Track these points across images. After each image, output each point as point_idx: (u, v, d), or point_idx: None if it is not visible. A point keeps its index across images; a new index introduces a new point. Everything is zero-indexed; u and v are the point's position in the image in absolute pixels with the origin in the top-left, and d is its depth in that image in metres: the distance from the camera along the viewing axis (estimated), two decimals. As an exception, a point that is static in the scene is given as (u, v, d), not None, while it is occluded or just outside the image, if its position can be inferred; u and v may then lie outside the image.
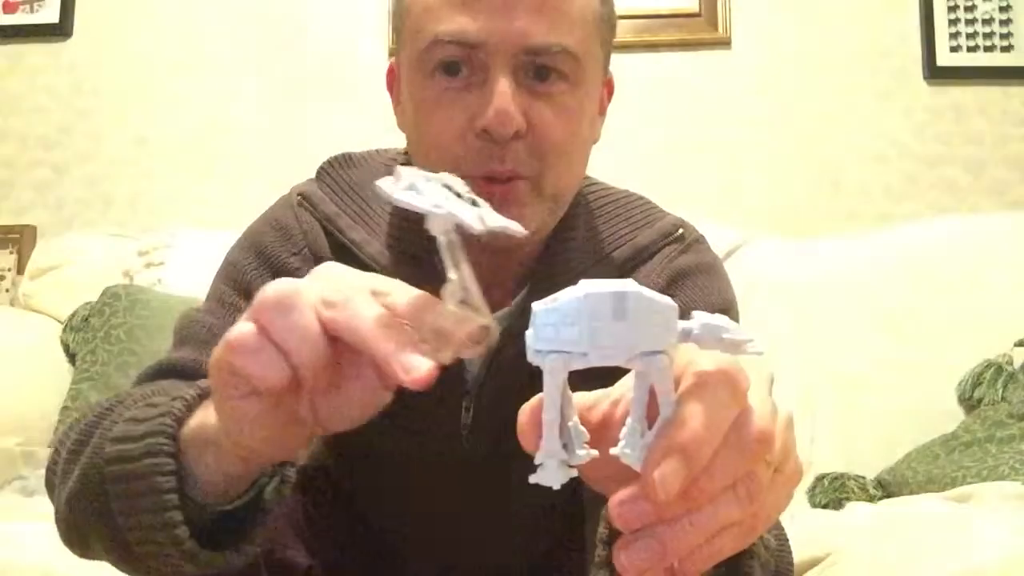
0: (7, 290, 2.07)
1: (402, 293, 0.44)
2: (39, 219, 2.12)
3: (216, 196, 2.10)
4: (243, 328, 0.42)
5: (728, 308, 0.78)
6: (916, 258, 1.68)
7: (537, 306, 0.36)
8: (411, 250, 0.74)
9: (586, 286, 0.36)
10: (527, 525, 0.83)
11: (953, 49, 2.01)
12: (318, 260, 0.75)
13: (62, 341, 1.71)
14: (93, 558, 0.59)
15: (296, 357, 0.42)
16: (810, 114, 2.03)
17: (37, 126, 2.15)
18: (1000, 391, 1.48)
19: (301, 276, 0.71)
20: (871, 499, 1.43)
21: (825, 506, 1.46)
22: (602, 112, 0.79)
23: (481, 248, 0.70)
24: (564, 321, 0.35)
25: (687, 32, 2.05)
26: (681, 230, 0.82)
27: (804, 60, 2.05)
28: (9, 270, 2.09)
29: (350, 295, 0.42)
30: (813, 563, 1.02)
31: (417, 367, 0.41)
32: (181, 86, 2.14)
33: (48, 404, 1.62)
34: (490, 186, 0.67)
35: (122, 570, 0.57)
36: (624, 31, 2.07)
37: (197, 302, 1.84)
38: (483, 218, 0.43)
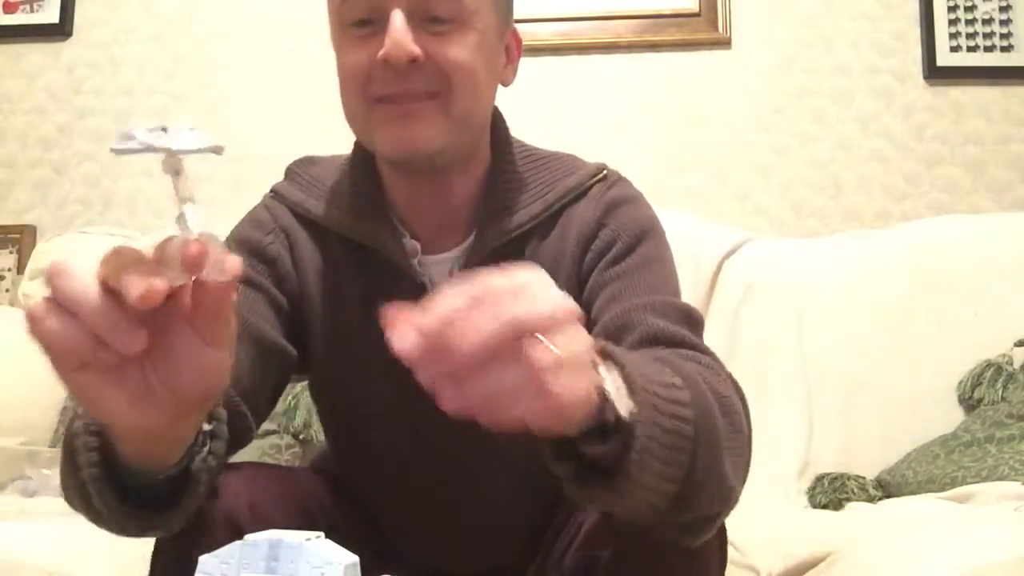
0: (7, 290, 2.07)
1: (149, 240, 0.48)
2: (39, 219, 2.12)
3: (216, 196, 2.10)
4: (37, 301, 0.47)
5: (649, 228, 0.87)
6: (916, 258, 1.68)
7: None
8: (364, 208, 0.87)
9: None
10: (506, 486, 0.88)
11: (953, 49, 2.01)
12: (289, 235, 0.89)
13: (62, 341, 1.71)
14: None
15: (85, 317, 0.45)
16: (810, 114, 2.03)
17: (37, 126, 2.15)
18: (1000, 391, 1.48)
19: (274, 251, 0.87)
20: (871, 499, 1.43)
21: (825, 506, 1.46)
22: (511, 61, 0.89)
23: (428, 189, 0.85)
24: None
25: (687, 32, 2.05)
26: (605, 171, 0.92)
27: (804, 60, 2.05)
28: (9, 270, 2.09)
29: (115, 248, 0.47)
30: (813, 563, 1.02)
31: (137, 288, 0.44)
32: (181, 86, 2.14)
33: (48, 404, 1.62)
34: (401, 105, 0.79)
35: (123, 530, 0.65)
36: (624, 31, 2.07)
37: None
38: (181, 143, 0.50)
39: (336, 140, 2.30)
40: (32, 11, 2.16)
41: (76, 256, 0.46)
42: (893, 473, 1.47)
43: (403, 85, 0.78)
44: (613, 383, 0.54)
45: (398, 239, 0.85)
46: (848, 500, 1.43)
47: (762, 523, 1.19)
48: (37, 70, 2.16)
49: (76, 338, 0.46)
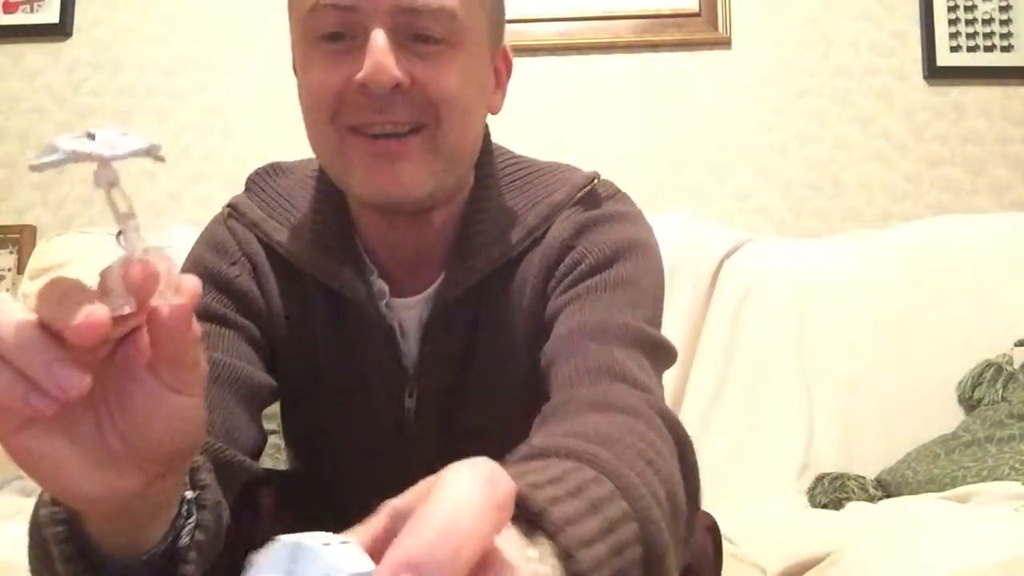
0: (7, 290, 2.07)
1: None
2: (39, 219, 2.12)
3: (216, 196, 2.10)
4: None
5: (626, 248, 0.75)
6: (916, 258, 1.68)
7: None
8: (329, 243, 0.76)
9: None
10: None
11: (953, 49, 2.01)
12: (255, 264, 0.78)
13: (62, 341, 1.71)
14: None
15: (14, 357, 0.38)
16: (810, 114, 2.03)
17: (37, 126, 2.15)
18: (1000, 391, 1.48)
19: (241, 282, 0.79)
20: (871, 499, 1.43)
21: (825, 506, 1.46)
22: (500, 86, 0.77)
23: (404, 226, 0.74)
24: None
25: (687, 32, 2.05)
26: (595, 182, 0.80)
27: (804, 60, 2.05)
28: (9, 270, 2.09)
29: (48, 280, 0.40)
30: (813, 563, 1.02)
31: (75, 319, 0.38)
32: (181, 86, 2.14)
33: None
34: (381, 142, 0.67)
35: None
36: (624, 31, 2.07)
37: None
38: (114, 146, 0.42)
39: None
40: (32, 11, 2.16)
41: (4, 296, 0.40)
42: (893, 473, 1.47)
43: (384, 115, 0.67)
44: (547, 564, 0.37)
45: (365, 279, 0.75)
46: (848, 500, 1.43)
47: (762, 523, 1.19)
48: (37, 70, 2.16)
49: (8, 386, 0.38)
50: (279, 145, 2.10)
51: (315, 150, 0.73)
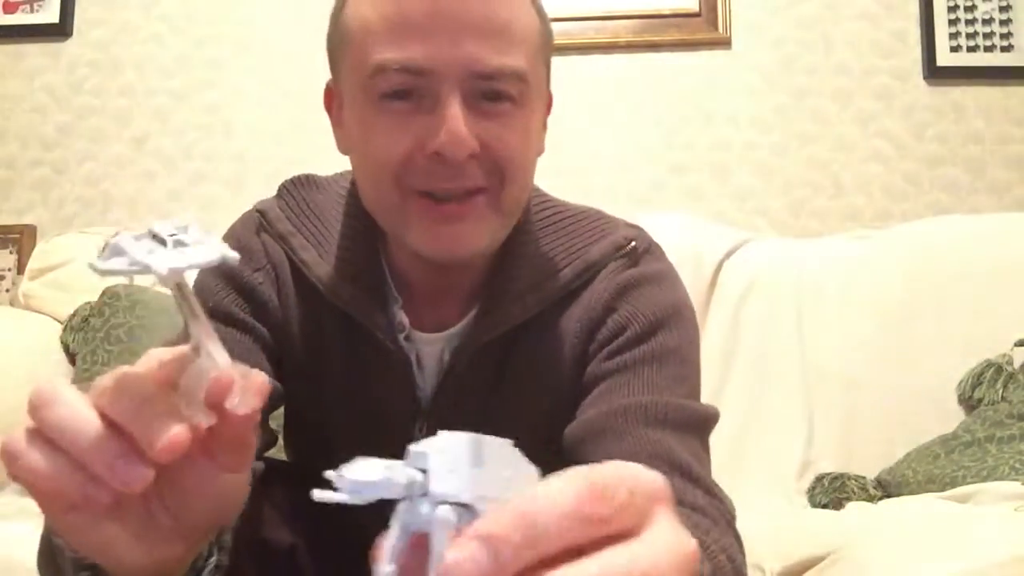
0: (7, 290, 2.07)
1: (155, 360, 0.41)
2: (39, 219, 2.12)
3: (216, 196, 2.10)
4: (14, 433, 0.40)
5: (670, 314, 0.75)
6: (916, 258, 1.68)
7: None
8: (354, 271, 0.75)
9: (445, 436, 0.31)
10: None
11: (953, 49, 2.01)
12: (279, 275, 0.77)
13: (62, 341, 1.71)
14: None
15: (78, 453, 0.39)
16: (810, 114, 2.03)
17: (37, 126, 2.15)
18: (1000, 391, 1.48)
19: (263, 290, 0.77)
20: (871, 499, 1.43)
21: (825, 506, 1.45)
22: (543, 126, 0.78)
23: (435, 268, 0.73)
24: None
25: (687, 32, 2.05)
26: (633, 243, 0.79)
27: (804, 60, 2.05)
28: (9, 270, 2.09)
29: (119, 376, 0.40)
30: (813, 563, 1.02)
31: (160, 440, 0.38)
32: (181, 86, 2.14)
33: (48, 404, 1.62)
34: (448, 206, 0.67)
35: None
36: (624, 31, 2.07)
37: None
38: (188, 258, 0.40)
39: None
40: (32, 11, 2.16)
41: (63, 383, 0.41)
42: (893, 473, 1.47)
43: (455, 182, 0.67)
44: None
45: (388, 310, 0.75)
46: (848, 500, 1.43)
47: (762, 523, 1.19)
48: (37, 70, 2.16)
49: (66, 476, 0.39)
50: (279, 145, 2.11)
51: (371, 204, 0.73)
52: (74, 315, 1.72)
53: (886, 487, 1.46)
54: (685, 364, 0.73)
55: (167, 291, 1.50)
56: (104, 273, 0.38)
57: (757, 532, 1.16)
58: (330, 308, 0.76)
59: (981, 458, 1.34)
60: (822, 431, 1.58)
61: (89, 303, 1.71)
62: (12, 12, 2.16)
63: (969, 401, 1.52)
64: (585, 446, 0.67)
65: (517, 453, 0.32)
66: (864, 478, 1.48)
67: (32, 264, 1.89)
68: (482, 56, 0.65)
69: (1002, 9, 2.01)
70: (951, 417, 1.52)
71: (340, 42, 0.72)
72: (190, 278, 0.41)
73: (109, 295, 1.67)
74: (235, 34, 2.14)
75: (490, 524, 0.28)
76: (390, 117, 0.67)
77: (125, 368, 0.41)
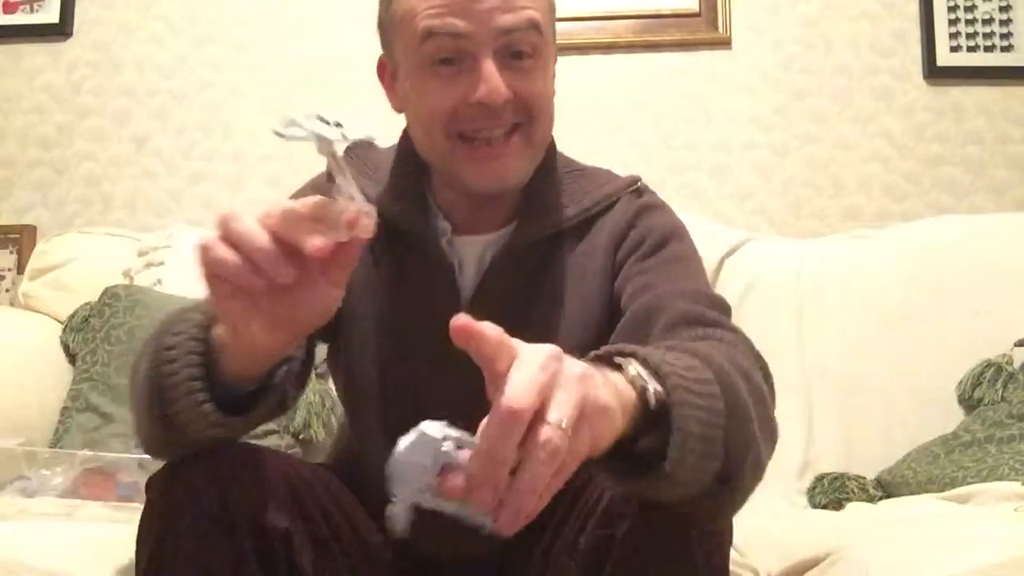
0: (7, 290, 2.07)
1: (309, 201, 0.59)
2: (39, 219, 2.12)
3: (216, 196, 2.10)
4: (208, 237, 0.59)
5: (676, 231, 0.94)
6: (916, 258, 1.68)
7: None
8: (401, 193, 0.94)
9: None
10: None
11: (953, 49, 2.01)
12: None
13: (62, 342, 1.71)
14: (157, 451, 0.78)
15: (250, 252, 0.57)
16: (810, 114, 2.03)
17: (37, 126, 2.15)
18: (1000, 391, 1.48)
19: None
20: (871, 499, 1.43)
21: (825, 506, 1.46)
22: (553, 74, 0.96)
23: (477, 201, 0.91)
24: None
25: (687, 32, 2.05)
26: (639, 182, 1.00)
27: (804, 60, 2.05)
28: (9, 270, 2.09)
29: (284, 207, 0.58)
30: (813, 563, 1.02)
31: (313, 242, 0.57)
32: (181, 86, 2.14)
33: (48, 404, 1.62)
34: (491, 147, 0.86)
35: (163, 443, 0.76)
36: (624, 31, 2.07)
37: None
38: (344, 133, 0.59)
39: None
40: (32, 11, 2.16)
41: (244, 207, 0.59)
42: (893, 473, 1.47)
43: (494, 122, 0.85)
44: (637, 370, 0.58)
45: (431, 220, 0.92)
46: (848, 500, 1.43)
47: (762, 523, 1.19)
48: (37, 70, 2.16)
49: (237, 265, 0.57)
50: (279, 145, 2.10)
51: (425, 151, 0.91)
52: (74, 315, 1.72)
53: (886, 487, 1.46)
54: (694, 265, 0.92)
55: (166, 291, 1.59)
56: (288, 138, 0.58)
57: (757, 532, 1.16)
58: (383, 233, 0.87)
59: (981, 458, 1.34)
60: (822, 431, 1.58)
61: (89, 303, 1.71)
62: (12, 12, 2.16)
63: (969, 401, 1.52)
64: (642, 323, 0.82)
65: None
66: (864, 478, 1.48)
67: (32, 264, 1.89)
68: (506, 16, 0.84)
69: (1002, 9, 2.01)
70: (951, 417, 1.52)
71: (391, 23, 0.89)
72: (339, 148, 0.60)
73: (109, 295, 1.67)
74: (235, 34, 2.14)
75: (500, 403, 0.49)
76: (439, 79, 0.85)
77: (288, 201, 0.59)
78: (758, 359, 0.75)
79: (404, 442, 0.52)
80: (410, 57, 0.87)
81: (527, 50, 0.86)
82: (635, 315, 0.83)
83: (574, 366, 0.52)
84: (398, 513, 0.52)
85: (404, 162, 0.95)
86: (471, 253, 0.93)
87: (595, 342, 0.78)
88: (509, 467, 0.49)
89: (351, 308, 0.90)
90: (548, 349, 0.51)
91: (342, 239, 0.57)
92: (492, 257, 0.91)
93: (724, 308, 0.84)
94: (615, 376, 0.57)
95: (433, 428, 0.51)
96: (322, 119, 0.58)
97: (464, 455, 0.50)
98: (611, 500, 0.73)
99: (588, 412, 0.51)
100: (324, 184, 0.90)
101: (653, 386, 0.57)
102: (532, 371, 0.50)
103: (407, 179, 0.94)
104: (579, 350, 0.68)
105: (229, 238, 0.58)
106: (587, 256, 0.93)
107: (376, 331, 0.92)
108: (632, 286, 0.87)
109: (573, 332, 0.90)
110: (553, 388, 0.50)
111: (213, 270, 0.59)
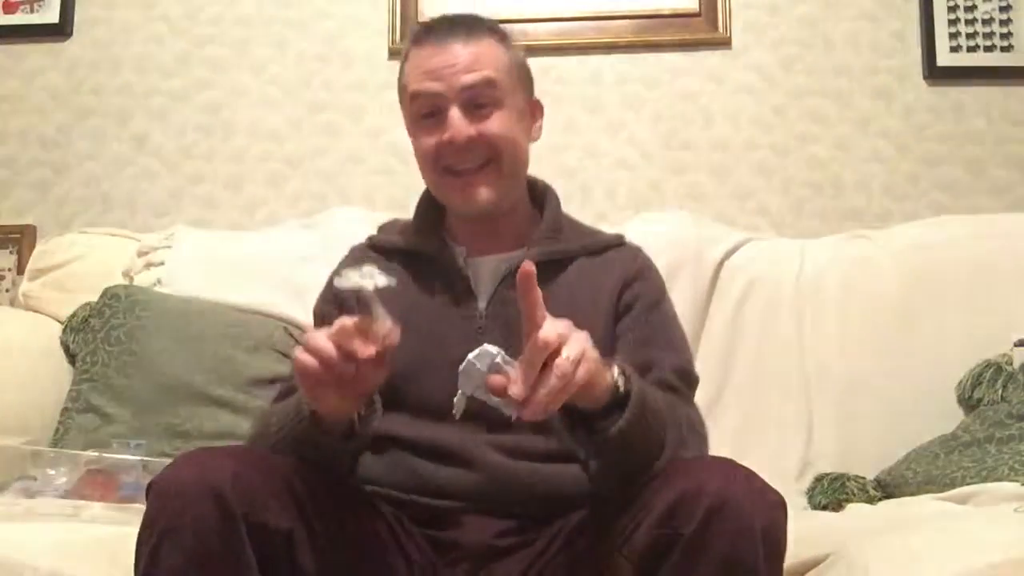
0: (7, 290, 2.07)
1: (355, 321, 0.84)
2: (39, 219, 2.12)
3: (216, 196, 2.10)
4: (300, 351, 0.85)
5: (666, 293, 1.18)
6: (916, 258, 1.68)
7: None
8: (423, 227, 1.19)
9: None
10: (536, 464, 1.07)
11: (953, 49, 2.01)
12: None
13: (62, 342, 1.71)
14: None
15: (325, 357, 0.83)
16: (810, 114, 2.03)
17: (37, 126, 2.15)
18: (1000, 391, 1.48)
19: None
20: (871, 499, 1.43)
21: (825, 506, 1.46)
22: (535, 120, 1.17)
23: (479, 224, 1.14)
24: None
25: (687, 32, 2.05)
26: (625, 239, 1.21)
27: (804, 60, 2.05)
28: (9, 270, 2.10)
29: (340, 324, 0.84)
30: (813, 563, 1.02)
31: (365, 352, 0.83)
32: (181, 86, 2.14)
33: (49, 404, 1.62)
34: (465, 176, 1.09)
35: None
36: (624, 31, 2.07)
37: (197, 303, 1.84)
38: (376, 282, 0.85)
39: (333, 139, 2.31)
40: (32, 11, 2.16)
41: (319, 331, 0.85)
42: (893, 474, 1.47)
43: (465, 157, 1.08)
44: (618, 372, 0.88)
45: (447, 244, 1.14)
46: (848, 501, 1.43)
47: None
48: (37, 70, 2.16)
49: (316, 366, 0.83)
50: (279, 145, 2.11)
51: (427, 183, 1.16)
52: (74, 315, 1.72)
53: (886, 488, 1.46)
54: (679, 326, 1.17)
55: (166, 291, 1.65)
56: (341, 289, 0.87)
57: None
58: (405, 261, 1.15)
59: (981, 459, 1.34)
60: (822, 431, 1.58)
61: (89, 303, 1.71)
62: (12, 12, 2.16)
63: (969, 401, 1.52)
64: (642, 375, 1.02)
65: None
66: (864, 479, 1.48)
67: (32, 264, 1.89)
68: (467, 76, 1.08)
69: (1002, 9, 2.01)
70: (951, 417, 1.52)
71: (400, 90, 1.15)
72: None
73: (109, 295, 1.67)
74: (235, 34, 2.14)
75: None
76: (425, 129, 1.11)
77: (345, 319, 0.84)
78: (697, 425, 1.04)
79: (472, 353, 0.81)
80: (408, 115, 1.13)
81: (487, 101, 1.08)
82: (631, 365, 0.99)
83: (582, 334, 0.81)
84: (459, 400, 0.82)
85: (424, 204, 1.19)
86: (486, 270, 1.12)
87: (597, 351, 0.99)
88: (535, 376, 0.77)
89: None
90: (568, 321, 0.81)
91: (380, 348, 0.83)
92: (506, 269, 1.10)
93: (694, 384, 1.10)
94: (607, 369, 0.87)
95: (491, 348, 0.80)
96: (360, 272, 0.85)
97: (508, 368, 0.80)
98: (673, 501, 0.79)
99: (586, 358, 0.79)
100: (341, 293, 1.10)
101: (623, 382, 0.88)
102: (557, 325, 0.79)
103: (427, 217, 1.17)
104: None
105: (311, 349, 0.83)
106: (597, 279, 1.13)
107: (405, 337, 1.02)
108: (635, 333, 1.09)
109: None
110: (568, 339, 0.79)
111: (303, 371, 0.84)
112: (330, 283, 1.18)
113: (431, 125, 1.09)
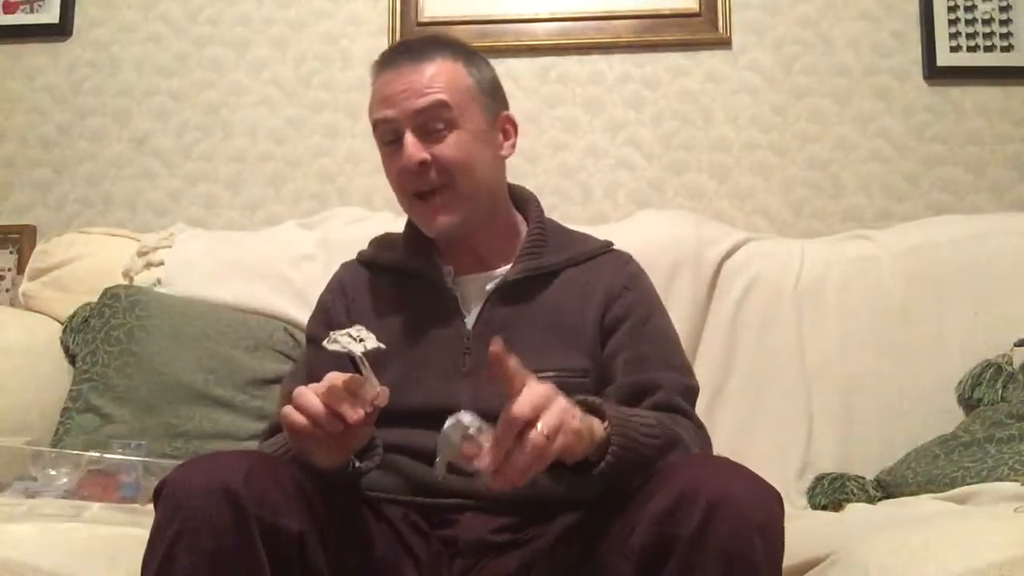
0: (7, 290, 2.07)
1: (346, 379, 0.86)
2: (39, 219, 2.12)
3: (216, 196, 2.10)
4: (288, 409, 0.87)
5: (658, 302, 1.19)
6: (916, 258, 1.68)
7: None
8: (413, 247, 1.19)
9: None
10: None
11: (953, 49, 2.01)
12: (346, 282, 1.21)
13: (62, 342, 1.71)
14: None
15: (314, 416, 0.85)
16: (810, 114, 2.03)
17: (37, 126, 2.15)
18: (1000, 391, 1.48)
19: (329, 301, 1.21)
20: (871, 500, 1.43)
21: (825, 507, 1.46)
22: (507, 138, 1.18)
23: (462, 243, 1.15)
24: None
25: (687, 32, 2.05)
26: (614, 245, 1.23)
27: (804, 60, 2.05)
28: (9, 270, 2.10)
29: (330, 384, 0.86)
30: (813, 563, 1.02)
31: (353, 415, 0.85)
32: (181, 86, 2.14)
33: (49, 404, 1.62)
34: (428, 202, 1.11)
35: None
36: (624, 31, 2.07)
37: (197, 303, 1.84)
38: (366, 345, 0.87)
39: (333, 139, 2.31)
40: (32, 11, 2.16)
41: (307, 388, 0.87)
42: (893, 474, 1.47)
43: (420, 181, 1.09)
44: (599, 428, 0.88)
45: (435, 264, 1.14)
46: (848, 501, 1.43)
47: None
48: (37, 70, 2.16)
49: (305, 424, 0.85)
50: (279, 145, 2.11)
51: (401, 205, 1.16)
52: (74, 316, 1.72)
53: (886, 488, 1.46)
54: (675, 335, 1.17)
55: (166, 291, 1.67)
56: (331, 350, 0.87)
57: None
58: (393, 280, 1.17)
59: (980, 458, 1.34)
60: (822, 431, 1.58)
61: (89, 304, 1.71)
62: (12, 12, 2.16)
63: (969, 401, 1.52)
64: (640, 397, 1.05)
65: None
66: (864, 479, 1.48)
67: (32, 264, 1.89)
68: (418, 100, 1.08)
69: (1002, 9, 2.01)
70: (951, 417, 1.52)
71: (370, 116, 1.15)
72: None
73: (109, 296, 1.67)
74: (235, 34, 2.14)
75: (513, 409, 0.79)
76: (389, 156, 1.13)
77: (335, 376, 0.85)
78: (699, 433, 1.05)
79: (448, 423, 0.82)
80: (377, 143, 1.15)
81: (439, 124, 1.09)
82: (633, 388, 1.06)
83: (562, 401, 0.81)
84: (438, 465, 0.83)
85: (412, 225, 1.19)
86: (472, 289, 1.13)
87: (580, 362, 1.08)
88: (506, 450, 0.77)
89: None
90: (549, 386, 0.81)
91: (368, 410, 0.85)
92: (490, 289, 1.12)
93: (695, 395, 1.10)
94: (595, 420, 0.88)
95: (466, 417, 0.81)
96: (350, 335, 0.87)
97: (482, 437, 0.80)
98: (672, 500, 0.79)
99: (564, 430, 0.79)
100: (331, 312, 1.20)
101: (601, 435, 0.88)
102: (533, 396, 0.79)
103: (417, 234, 1.17)
104: (566, 370, 1.06)
105: (299, 407, 0.85)
106: (584, 288, 1.13)
107: (396, 354, 1.06)
108: (628, 351, 1.09)
109: (561, 353, 1.09)
110: (544, 410, 0.78)
111: (291, 427, 0.86)
112: (322, 304, 1.21)
113: (393, 151, 1.11)
